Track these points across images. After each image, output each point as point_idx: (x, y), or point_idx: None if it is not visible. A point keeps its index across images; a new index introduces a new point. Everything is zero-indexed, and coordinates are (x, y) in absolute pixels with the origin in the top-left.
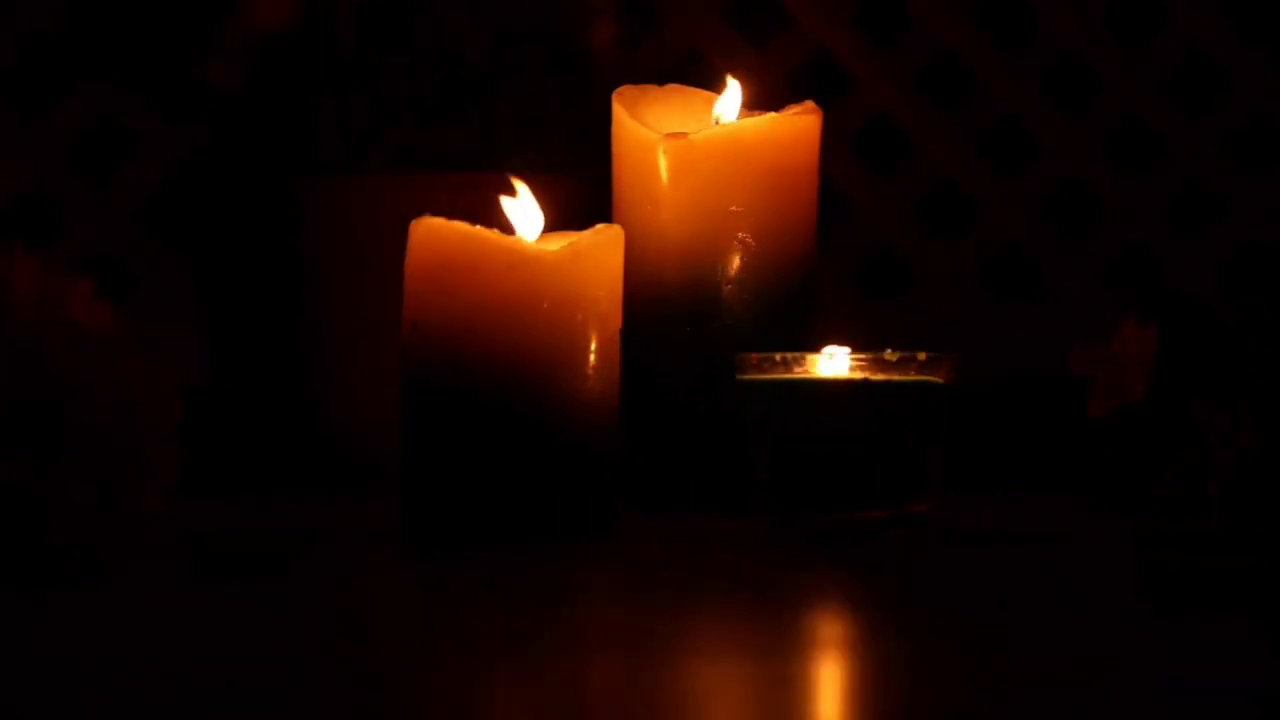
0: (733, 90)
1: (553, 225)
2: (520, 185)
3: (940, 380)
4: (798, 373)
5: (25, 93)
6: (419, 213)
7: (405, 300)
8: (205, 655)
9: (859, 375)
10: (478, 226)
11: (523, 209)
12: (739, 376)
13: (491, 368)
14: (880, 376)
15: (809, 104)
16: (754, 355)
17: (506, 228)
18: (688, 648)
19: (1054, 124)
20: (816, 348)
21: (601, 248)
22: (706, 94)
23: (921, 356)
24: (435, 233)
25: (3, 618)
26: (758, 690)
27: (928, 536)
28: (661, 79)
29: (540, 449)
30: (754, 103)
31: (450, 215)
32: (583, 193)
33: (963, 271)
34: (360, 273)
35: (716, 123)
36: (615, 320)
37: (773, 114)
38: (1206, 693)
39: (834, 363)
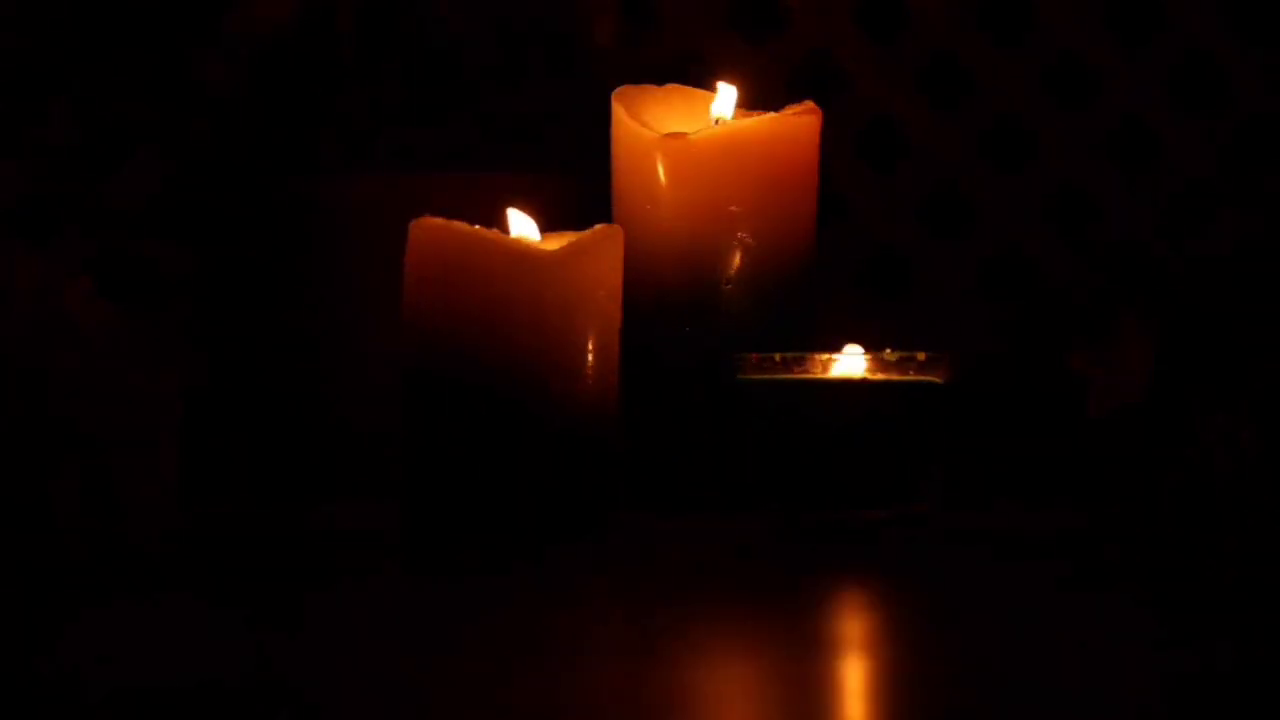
0: (724, 92)
1: (553, 225)
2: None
3: (940, 380)
4: (797, 373)
5: (25, 92)
6: (419, 213)
7: (405, 300)
8: (204, 657)
9: (858, 375)
10: (477, 226)
11: (524, 220)
12: (739, 376)
13: (491, 368)
14: (880, 376)
15: (809, 104)
16: (754, 355)
17: (506, 228)
18: (688, 647)
19: (1054, 124)
20: (817, 347)
21: (601, 248)
22: (706, 94)
23: (921, 356)
24: (435, 233)
25: (2, 619)
26: (758, 689)
27: (928, 536)
28: (661, 79)
29: (540, 449)
30: (754, 103)
31: (450, 215)
32: (583, 193)
33: (963, 271)
34: (360, 273)
35: (716, 123)
36: (615, 320)
37: (773, 114)
38: (1207, 689)
39: (849, 361)
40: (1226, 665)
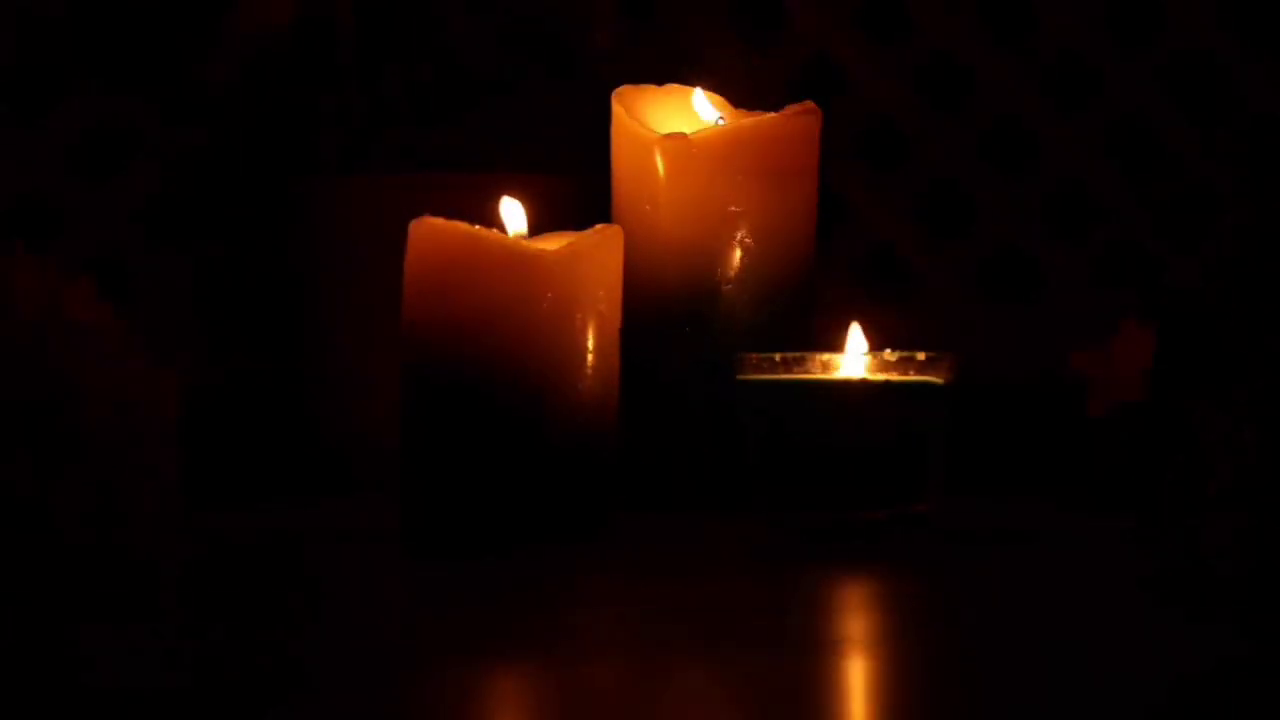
0: (698, 99)
1: (553, 225)
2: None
3: (940, 380)
4: (797, 373)
5: (25, 93)
6: (419, 213)
7: (405, 300)
8: (203, 657)
9: (858, 375)
10: (478, 226)
11: (516, 212)
12: (738, 376)
13: (491, 368)
14: (880, 376)
15: (809, 104)
16: (753, 355)
17: (506, 228)
18: (688, 647)
19: (1054, 124)
20: (817, 347)
21: (601, 248)
22: (706, 94)
23: (921, 356)
24: (435, 233)
25: (4, 623)
26: (758, 690)
27: (928, 536)
28: (661, 79)
29: (540, 449)
30: (754, 103)
31: (450, 215)
32: (583, 193)
33: (963, 271)
34: (360, 273)
35: (717, 123)
36: (615, 320)
37: (773, 114)
38: (1207, 689)
39: (850, 361)
40: (1227, 665)
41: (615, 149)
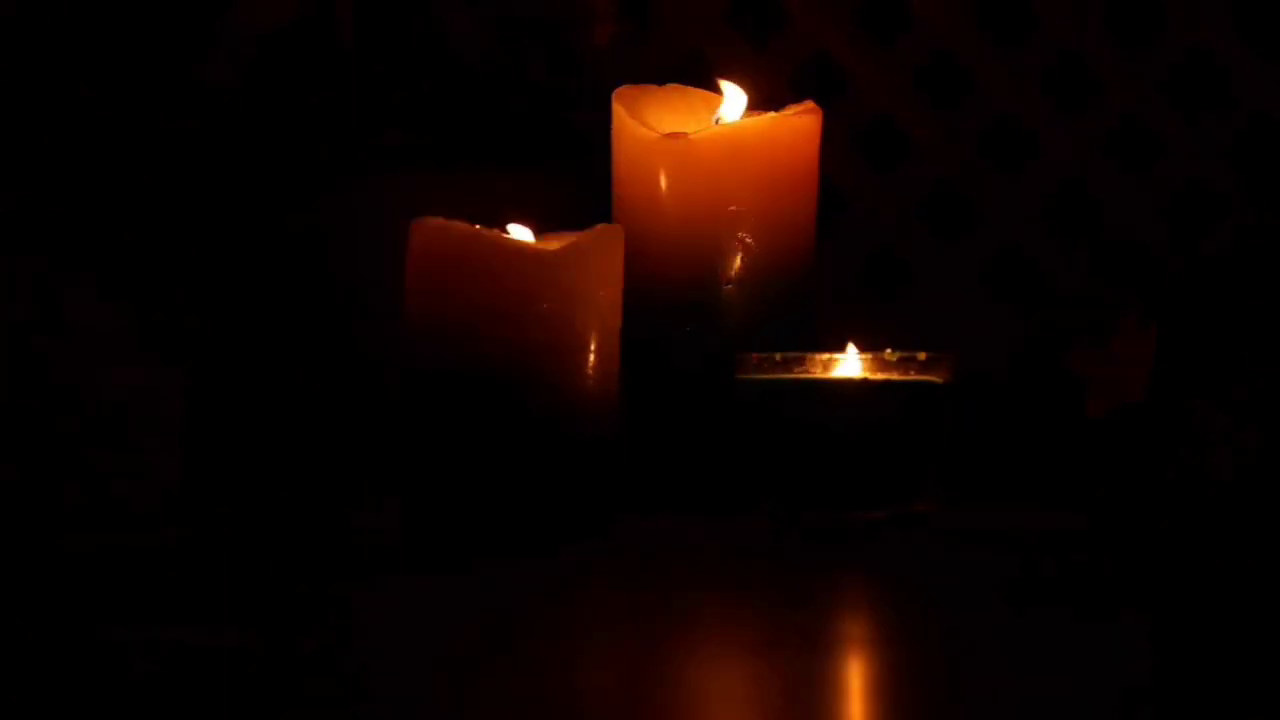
0: (733, 95)
1: (553, 225)
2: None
3: (940, 380)
4: (797, 373)
5: (25, 92)
6: (419, 213)
7: (405, 300)
8: (203, 656)
9: (858, 375)
10: (478, 226)
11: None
12: (739, 376)
13: (491, 367)
14: (880, 376)
15: (809, 104)
16: (754, 355)
17: (506, 228)
18: (688, 646)
19: (1054, 124)
20: (817, 347)
21: (601, 248)
22: (706, 94)
23: (921, 356)
24: (435, 233)
25: (5, 620)
26: (758, 690)
27: (928, 536)
28: (661, 79)
29: (540, 449)
30: (754, 103)
31: (450, 215)
32: (583, 193)
33: (963, 271)
34: (360, 272)
35: (717, 123)
36: (615, 320)
37: (773, 114)
38: (1206, 689)
39: (850, 361)
40: (1226, 665)
41: (616, 149)
